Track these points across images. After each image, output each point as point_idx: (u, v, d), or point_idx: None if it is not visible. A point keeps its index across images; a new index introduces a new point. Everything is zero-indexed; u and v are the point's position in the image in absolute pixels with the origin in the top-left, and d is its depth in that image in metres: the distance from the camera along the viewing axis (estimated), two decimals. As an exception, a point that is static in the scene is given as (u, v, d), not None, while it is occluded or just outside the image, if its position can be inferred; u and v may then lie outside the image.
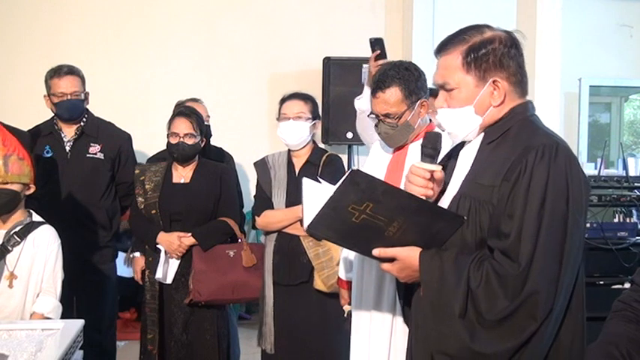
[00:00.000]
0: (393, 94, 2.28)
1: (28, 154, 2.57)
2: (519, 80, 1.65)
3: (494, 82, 1.62)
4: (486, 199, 1.57)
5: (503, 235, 1.53)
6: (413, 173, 1.67)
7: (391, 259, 1.64)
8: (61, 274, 2.59)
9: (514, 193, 1.53)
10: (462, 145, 1.76)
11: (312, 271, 2.92)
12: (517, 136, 1.61)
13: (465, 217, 1.58)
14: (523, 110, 1.66)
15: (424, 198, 1.65)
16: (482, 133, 1.68)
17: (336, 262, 2.86)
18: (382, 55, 2.79)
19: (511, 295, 1.48)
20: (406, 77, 2.29)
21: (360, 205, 1.52)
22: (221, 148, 3.83)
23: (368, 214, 1.53)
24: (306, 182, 1.86)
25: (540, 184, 1.50)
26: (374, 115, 2.34)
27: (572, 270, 1.55)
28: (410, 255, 1.61)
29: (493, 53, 1.61)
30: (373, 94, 2.32)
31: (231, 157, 3.87)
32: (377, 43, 2.82)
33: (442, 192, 1.72)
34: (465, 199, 1.62)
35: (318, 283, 2.90)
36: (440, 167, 1.68)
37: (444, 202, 1.68)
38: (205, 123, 3.60)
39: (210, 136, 3.76)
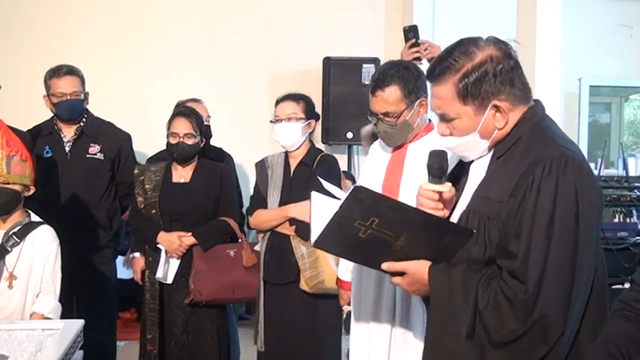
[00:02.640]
0: (392, 92, 2.28)
1: (30, 155, 2.58)
2: (520, 92, 1.58)
3: (494, 106, 1.56)
4: (495, 215, 1.53)
5: (511, 255, 1.49)
6: (421, 195, 1.64)
7: (401, 273, 1.62)
8: (60, 274, 2.59)
9: (521, 210, 1.48)
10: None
11: (300, 272, 2.94)
12: (526, 147, 1.55)
13: (475, 231, 1.55)
14: (532, 116, 1.60)
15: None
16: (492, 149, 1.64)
17: (322, 264, 2.87)
18: (417, 43, 2.77)
19: (522, 318, 1.46)
20: (405, 76, 2.29)
21: (366, 220, 1.51)
22: (221, 149, 3.83)
23: (374, 229, 1.52)
24: (315, 196, 1.85)
25: (548, 202, 1.45)
26: (373, 114, 2.34)
27: (585, 287, 1.51)
28: (420, 269, 1.59)
29: (486, 77, 1.54)
30: (372, 92, 2.31)
31: (231, 158, 3.87)
32: (411, 31, 2.78)
33: (453, 207, 1.69)
34: (473, 215, 1.58)
35: (302, 284, 2.91)
36: (449, 186, 1.64)
37: (454, 218, 1.65)
38: (205, 123, 3.60)
39: (211, 136, 3.76)
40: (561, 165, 1.47)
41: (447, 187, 1.64)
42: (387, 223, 1.51)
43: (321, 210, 1.67)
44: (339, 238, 1.56)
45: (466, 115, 1.58)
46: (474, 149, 1.63)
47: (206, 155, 3.42)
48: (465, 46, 1.58)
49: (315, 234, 1.59)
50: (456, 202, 1.68)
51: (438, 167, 1.64)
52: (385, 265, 1.61)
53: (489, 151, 1.64)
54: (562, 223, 1.45)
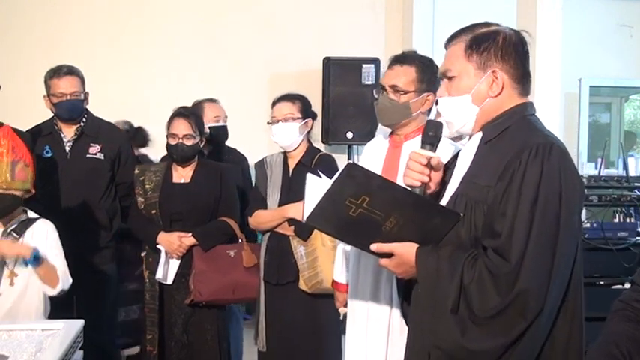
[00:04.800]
0: (408, 70, 2.32)
1: (32, 159, 2.61)
2: (520, 76, 1.66)
3: (493, 72, 1.64)
4: (481, 199, 1.58)
5: (496, 234, 1.53)
6: (411, 159, 1.70)
7: (389, 255, 1.65)
8: (63, 255, 2.61)
9: (507, 192, 1.53)
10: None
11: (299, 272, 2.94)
12: (514, 136, 1.62)
13: (462, 214, 1.59)
14: (522, 110, 1.67)
15: (419, 184, 1.67)
16: (481, 133, 1.68)
17: (321, 264, 2.87)
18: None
19: (503, 291, 1.48)
20: (426, 65, 2.34)
21: (357, 199, 1.54)
22: (236, 150, 3.84)
23: (365, 209, 1.55)
24: (310, 178, 1.88)
25: (533, 183, 1.51)
26: (379, 87, 2.37)
27: (565, 268, 1.55)
28: (407, 251, 1.62)
29: (495, 44, 1.64)
30: (390, 66, 2.36)
31: (245, 159, 3.87)
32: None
33: (441, 193, 1.73)
34: (461, 199, 1.63)
35: (301, 284, 2.93)
36: (438, 155, 1.70)
37: (443, 202, 1.69)
38: (223, 123, 3.63)
39: (227, 137, 3.77)
40: (547, 150, 1.53)
41: (436, 156, 1.70)
42: (377, 202, 1.54)
43: (314, 190, 1.70)
44: (331, 215, 1.59)
45: (466, 74, 1.66)
46: (462, 114, 1.69)
47: (222, 155, 3.47)
48: (486, 23, 1.71)
49: (307, 211, 1.61)
50: (446, 187, 1.72)
51: (433, 134, 1.70)
52: (374, 246, 1.64)
53: (477, 130, 1.69)
54: (545, 203, 1.50)
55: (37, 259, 2.44)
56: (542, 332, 1.53)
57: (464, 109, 1.67)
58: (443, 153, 1.77)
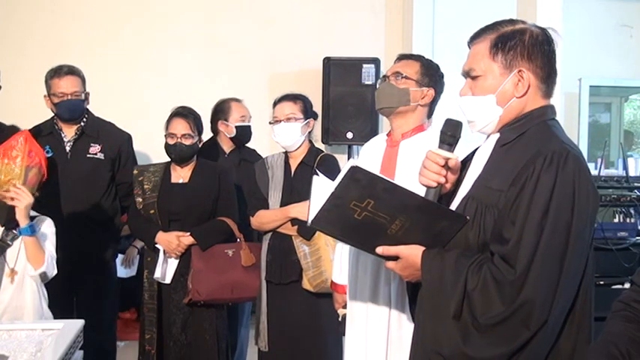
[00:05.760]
0: (413, 63, 2.37)
1: (46, 165, 2.67)
2: (546, 76, 1.64)
3: (519, 72, 1.60)
4: (492, 203, 1.55)
5: (504, 241, 1.51)
6: (428, 158, 1.65)
7: (395, 258, 1.64)
8: (54, 245, 2.66)
9: (519, 199, 1.50)
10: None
11: (302, 271, 2.94)
12: (530, 141, 1.58)
13: (468, 217, 1.57)
14: (541, 114, 1.63)
15: (435, 185, 1.63)
16: (498, 134, 1.66)
17: (324, 263, 2.87)
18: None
19: (507, 301, 1.46)
20: (431, 64, 2.40)
21: (362, 202, 1.52)
22: (254, 150, 3.84)
23: (369, 211, 1.53)
24: (316, 180, 1.89)
25: (545, 192, 1.47)
26: (382, 78, 2.41)
27: (574, 281, 1.52)
28: (413, 253, 1.61)
29: (522, 43, 1.60)
30: (397, 60, 2.41)
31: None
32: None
33: (454, 193, 1.70)
34: (472, 201, 1.60)
35: (305, 283, 2.93)
36: (456, 156, 1.65)
37: (454, 203, 1.67)
38: (247, 123, 3.65)
39: (249, 138, 3.79)
40: (562, 159, 1.50)
41: (454, 156, 1.65)
42: (383, 205, 1.52)
43: (320, 191, 1.68)
44: (335, 218, 1.57)
45: (491, 73, 1.62)
46: (485, 115, 1.65)
47: (243, 156, 3.58)
48: (512, 20, 1.67)
49: (312, 214, 1.59)
50: (457, 189, 1.69)
51: (451, 134, 1.65)
52: (380, 249, 1.63)
53: (496, 130, 1.66)
54: (557, 214, 1.47)
55: (31, 228, 2.49)
56: (547, 343, 1.51)
57: (488, 110, 1.63)
58: (461, 149, 1.72)
